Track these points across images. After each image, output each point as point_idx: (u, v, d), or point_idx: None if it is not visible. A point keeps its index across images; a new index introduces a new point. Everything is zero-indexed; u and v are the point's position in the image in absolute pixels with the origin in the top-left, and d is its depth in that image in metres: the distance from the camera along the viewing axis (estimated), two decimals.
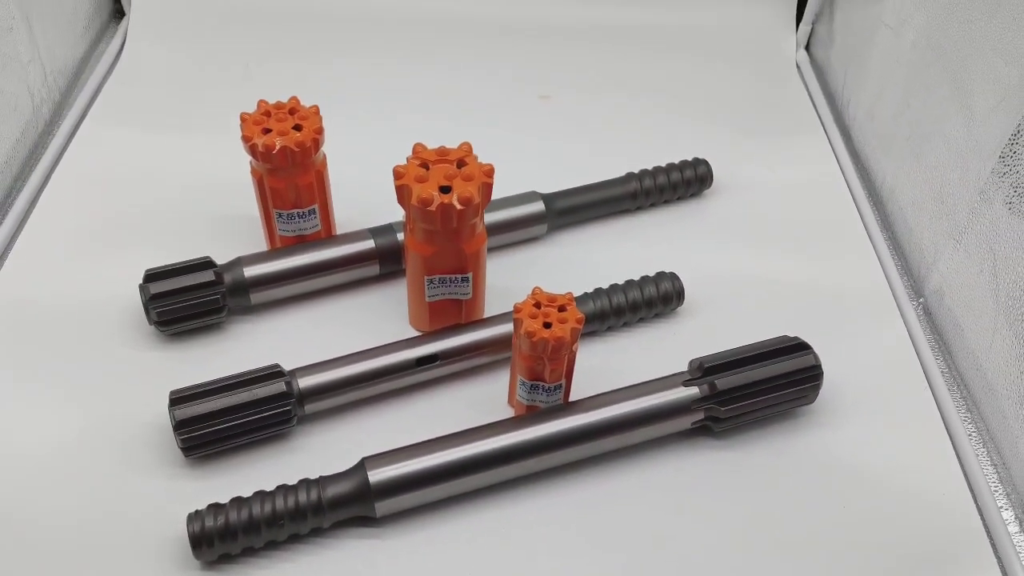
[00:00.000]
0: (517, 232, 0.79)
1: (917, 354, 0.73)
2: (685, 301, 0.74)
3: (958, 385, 0.73)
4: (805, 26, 1.07)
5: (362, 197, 0.78)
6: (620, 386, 0.65)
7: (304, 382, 0.64)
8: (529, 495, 0.63)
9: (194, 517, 0.57)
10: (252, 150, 0.68)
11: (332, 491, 0.58)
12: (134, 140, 0.89)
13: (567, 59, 1.03)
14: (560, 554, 0.60)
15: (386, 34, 1.05)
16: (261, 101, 0.69)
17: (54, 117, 0.94)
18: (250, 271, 0.71)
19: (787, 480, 0.64)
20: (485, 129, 0.86)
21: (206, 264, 0.70)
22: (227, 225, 0.80)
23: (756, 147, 0.93)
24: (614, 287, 0.72)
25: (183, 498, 0.60)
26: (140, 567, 0.57)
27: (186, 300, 0.68)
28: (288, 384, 0.63)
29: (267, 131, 0.68)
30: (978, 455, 0.67)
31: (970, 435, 0.69)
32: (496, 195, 0.73)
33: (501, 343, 0.69)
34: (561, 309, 0.60)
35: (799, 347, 0.66)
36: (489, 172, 0.63)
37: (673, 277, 0.73)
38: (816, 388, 0.66)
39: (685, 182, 0.84)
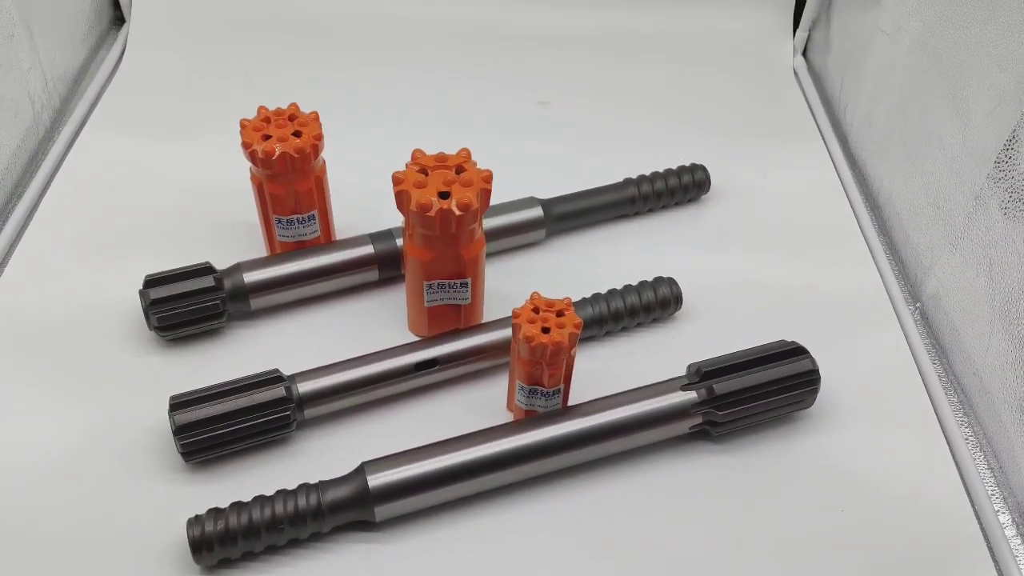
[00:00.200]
0: (516, 237, 0.80)
1: (914, 358, 0.74)
2: (683, 306, 0.75)
3: (955, 389, 0.73)
4: (802, 32, 1.08)
5: (361, 203, 0.79)
6: (618, 391, 0.65)
7: (303, 387, 0.64)
8: (528, 499, 0.63)
9: (194, 522, 0.57)
10: (252, 156, 0.68)
11: (332, 496, 0.58)
12: (134, 146, 0.90)
13: (566, 66, 1.04)
14: (558, 558, 0.60)
15: (385, 41, 1.05)
16: (261, 107, 0.70)
17: (54, 124, 0.94)
18: (250, 276, 0.72)
19: (785, 484, 0.64)
20: (484, 135, 0.87)
21: (206, 269, 0.70)
22: (227, 231, 0.80)
23: (753, 152, 0.93)
24: (612, 292, 0.73)
25: (183, 503, 0.60)
26: (140, 572, 0.58)
27: (186, 305, 0.69)
28: (288, 389, 0.63)
29: (267, 137, 0.68)
30: (975, 459, 0.68)
31: (967, 439, 0.69)
32: (495, 200, 0.73)
33: (500, 348, 0.69)
34: (559, 314, 0.60)
35: (796, 352, 0.66)
36: (488, 178, 0.63)
37: (671, 282, 0.74)
38: (814, 392, 0.66)
39: (683, 187, 0.84)
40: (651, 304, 0.73)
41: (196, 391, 0.63)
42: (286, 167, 0.68)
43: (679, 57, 1.06)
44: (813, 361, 0.66)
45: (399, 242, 0.75)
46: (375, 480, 0.59)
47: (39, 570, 0.58)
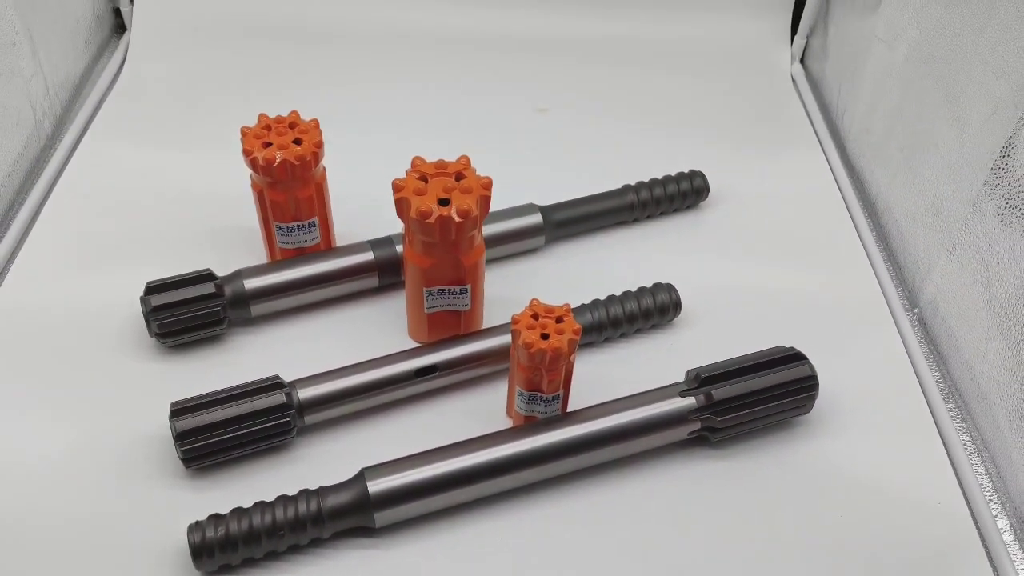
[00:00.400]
0: (515, 244, 0.80)
1: (912, 364, 0.74)
2: (682, 312, 0.75)
3: (953, 395, 0.73)
4: (800, 40, 1.09)
5: (361, 210, 0.79)
6: (617, 397, 0.65)
7: (304, 393, 0.65)
8: (527, 505, 0.63)
9: (195, 528, 0.57)
10: (253, 164, 0.68)
11: (332, 501, 0.59)
12: (135, 154, 0.90)
13: (564, 73, 1.04)
14: (558, 564, 0.60)
15: (385, 49, 1.06)
16: (261, 115, 0.70)
17: (56, 131, 0.94)
18: (250, 283, 0.72)
19: (784, 489, 0.64)
20: (483, 142, 0.88)
21: (207, 276, 0.71)
22: (228, 238, 0.80)
23: (752, 159, 0.94)
24: (611, 298, 0.73)
25: (184, 509, 0.60)
26: None
27: (187, 312, 0.69)
28: (288, 395, 0.63)
29: (267, 145, 0.68)
30: (973, 464, 0.68)
31: (965, 444, 0.69)
32: (494, 207, 0.74)
33: (499, 354, 0.69)
34: (559, 320, 0.60)
35: (795, 357, 0.66)
36: (487, 185, 0.64)
37: (670, 288, 0.74)
38: (812, 398, 0.66)
39: (681, 194, 0.85)
40: (650, 310, 0.73)
41: (197, 397, 0.63)
42: (286, 174, 0.69)
43: (677, 64, 1.06)
44: (811, 367, 0.66)
45: (399, 249, 0.75)
46: (375, 486, 0.59)
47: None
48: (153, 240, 0.81)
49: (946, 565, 0.61)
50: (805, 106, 1.02)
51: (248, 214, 0.77)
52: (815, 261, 0.82)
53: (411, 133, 0.93)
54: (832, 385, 0.69)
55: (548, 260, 0.81)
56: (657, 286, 0.74)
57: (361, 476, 0.60)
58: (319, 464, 0.64)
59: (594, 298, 0.73)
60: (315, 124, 0.70)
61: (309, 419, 0.65)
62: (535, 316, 0.60)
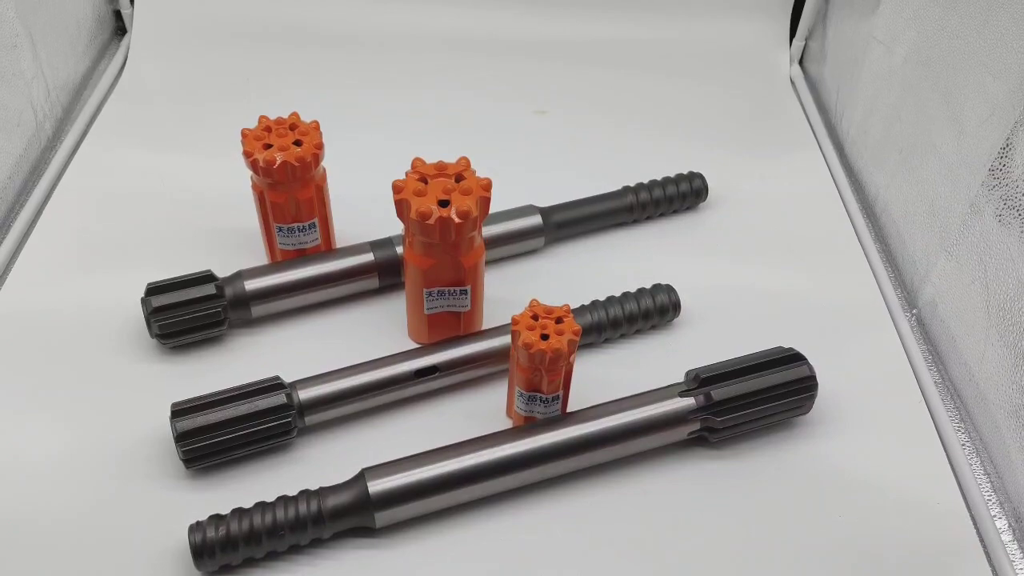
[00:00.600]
0: (515, 245, 0.80)
1: (911, 365, 0.74)
2: (681, 313, 0.75)
3: (951, 395, 0.73)
4: (798, 42, 1.09)
5: (362, 211, 0.79)
6: (617, 397, 0.65)
7: (304, 394, 0.65)
8: (527, 505, 0.63)
9: (196, 528, 0.57)
10: (253, 165, 0.69)
11: (332, 502, 0.59)
12: (136, 155, 0.90)
13: (563, 75, 1.05)
14: (558, 564, 0.60)
15: (385, 51, 1.06)
16: (262, 117, 0.70)
17: (57, 133, 0.95)
18: (251, 284, 0.72)
19: (783, 489, 0.65)
20: (483, 144, 0.88)
21: (207, 278, 0.71)
22: (228, 239, 0.81)
23: (751, 161, 0.94)
24: (611, 299, 0.73)
25: (185, 509, 0.60)
26: None
27: (188, 313, 0.69)
28: (288, 396, 0.64)
29: (268, 146, 0.68)
30: (972, 465, 0.68)
31: (963, 445, 0.69)
32: (494, 209, 0.74)
33: (499, 355, 0.69)
34: (558, 321, 0.60)
35: (794, 358, 0.67)
36: (487, 186, 0.64)
37: (669, 289, 0.74)
38: (811, 399, 0.67)
39: (681, 195, 0.85)
40: (649, 311, 0.73)
41: (197, 398, 0.63)
42: (287, 176, 0.69)
43: (677, 66, 1.07)
44: (810, 367, 0.66)
45: (399, 250, 0.75)
46: (375, 486, 0.59)
47: None
48: (154, 241, 0.81)
49: (945, 565, 0.61)
50: (804, 108, 1.03)
51: (248, 215, 0.77)
52: (814, 262, 0.82)
53: (411, 135, 0.93)
54: (831, 386, 0.69)
55: (548, 261, 0.81)
56: (656, 287, 0.74)
57: (361, 476, 0.60)
58: (319, 465, 0.65)
59: (593, 299, 0.73)
60: (315, 126, 0.70)
61: (310, 420, 0.65)
62: (535, 317, 0.61)
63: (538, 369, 0.61)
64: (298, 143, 0.69)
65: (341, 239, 0.79)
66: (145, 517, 0.61)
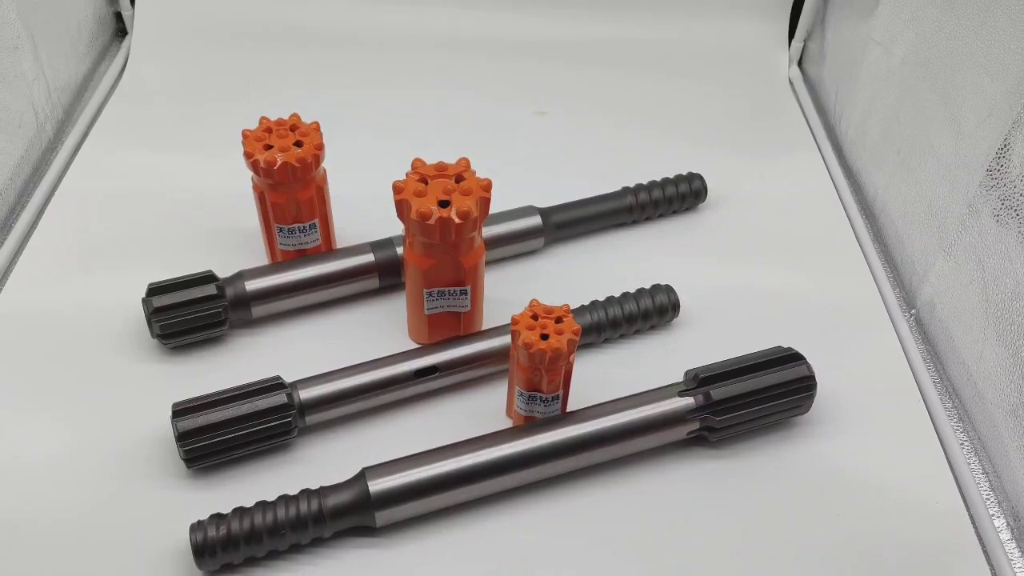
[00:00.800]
0: (515, 245, 0.80)
1: (909, 364, 0.74)
2: (680, 313, 0.75)
3: (950, 395, 0.74)
4: (797, 43, 1.09)
5: (362, 211, 0.79)
6: (617, 397, 0.66)
7: (305, 394, 0.65)
8: (527, 504, 0.63)
9: (197, 527, 0.57)
10: (254, 166, 0.69)
11: (333, 501, 0.59)
12: (137, 156, 0.91)
13: (563, 76, 1.05)
14: (557, 564, 0.60)
15: (385, 52, 1.06)
16: (263, 118, 0.71)
17: (58, 134, 0.95)
18: (251, 285, 0.72)
19: (782, 489, 0.65)
20: (483, 145, 0.88)
21: (208, 278, 0.71)
22: (229, 240, 0.81)
23: (750, 162, 0.94)
24: (610, 299, 0.73)
25: (186, 508, 0.60)
26: None
27: (188, 313, 0.69)
28: (289, 396, 0.64)
29: (268, 147, 0.69)
30: (970, 464, 0.68)
31: (962, 444, 0.70)
32: (494, 209, 0.74)
33: (499, 355, 0.70)
34: (558, 321, 0.61)
35: (793, 358, 0.67)
36: (487, 186, 0.64)
37: (668, 290, 0.74)
38: (810, 398, 0.67)
39: (680, 196, 0.85)
40: (649, 311, 0.73)
41: (198, 398, 0.64)
42: (287, 176, 0.69)
43: (676, 67, 1.07)
44: (809, 367, 0.67)
45: (399, 250, 0.75)
46: (376, 486, 0.59)
47: None
48: (155, 242, 0.81)
49: (943, 564, 0.61)
50: (803, 109, 1.03)
51: (249, 216, 0.77)
52: (813, 263, 0.83)
53: (411, 135, 0.94)
54: (830, 385, 0.70)
55: (547, 262, 0.82)
56: (656, 287, 0.75)
57: (362, 476, 0.60)
58: (320, 464, 0.65)
59: (593, 299, 0.74)
60: (316, 127, 0.71)
61: (310, 419, 0.66)
62: (535, 316, 0.61)
63: (538, 369, 0.61)
64: (299, 144, 0.69)
65: (341, 239, 0.79)
66: (146, 517, 0.61)
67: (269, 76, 1.02)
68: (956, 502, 0.65)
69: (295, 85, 1.01)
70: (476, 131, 0.96)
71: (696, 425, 0.65)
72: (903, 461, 0.67)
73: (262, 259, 0.78)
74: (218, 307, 0.70)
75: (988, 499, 0.66)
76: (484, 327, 0.73)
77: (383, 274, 0.76)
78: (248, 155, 0.69)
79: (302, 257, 0.75)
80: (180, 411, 0.62)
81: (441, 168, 0.64)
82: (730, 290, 0.79)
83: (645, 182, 0.85)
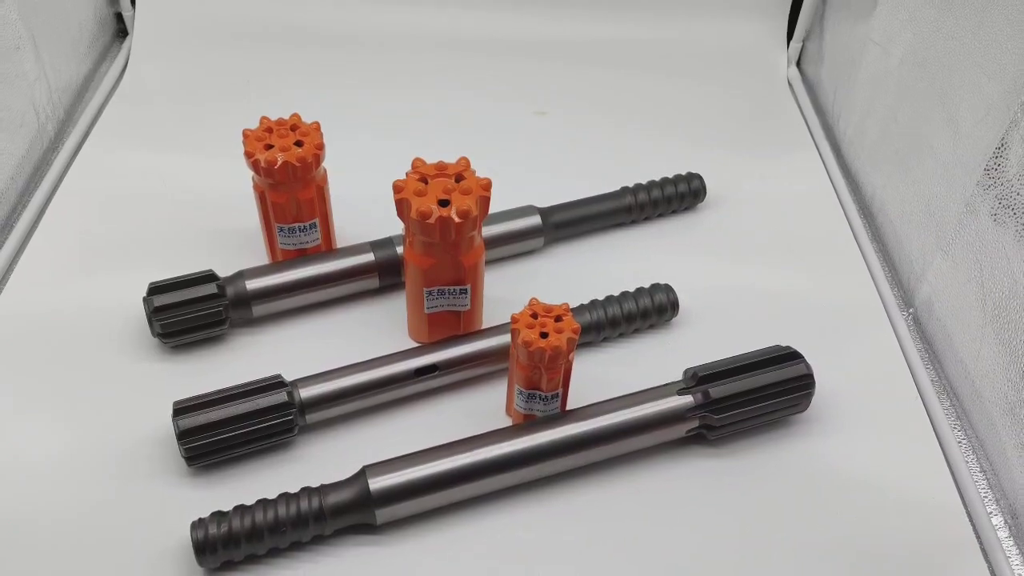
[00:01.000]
0: (514, 245, 0.80)
1: (907, 363, 0.74)
2: (679, 312, 0.76)
3: (948, 394, 0.74)
4: (796, 43, 1.09)
5: (362, 211, 0.80)
6: (616, 395, 0.66)
7: (305, 392, 0.65)
8: (527, 503, 0.63)
9: (198, 525, 0.58)
10: (255, 166, 0.69)
11: (333, 499, 0.59)
12: (137, 157, 0.91)
13: (563, 76, 1.05)
14: (557, 561, 0.60)
15: (386, 52, 1.07)
16: (263, 118, 0.71)
17: (59, 134, 0.95)
18: (252, 284, 0.72)
19: (780, 487, 0.65)
20: (483, 144, 0.88)
21: (209, 277, 0.71)
22: (229, 239, 0.81)
23: (748, 161, 0.94)
24: (610, 298, 0.74)
25: (187, 506, 0.60)
26: (145, 574, 0.58)
27: (189, 312, 0.69)
28: (290, 394, 0.64)
29: (269, 147, 0.69)
30: (968, 462, 0.68)
31: (960, 442, 0.70)
32: (494, 209, 0.74)
33: (499, 353, 0.70)
34: (557, 319, 0.61)
35: (791, 356, 0.67)
36: (487, 186, 0.64)
37: (667, 289, 0.75)
38: (808, 397, 0.67)
39: (679, 196, 0.85)
40: (648, 310, 0.74)
41: (199, 396, 0.64)
42: (288, 176, 0.69)
43: (675, 68, 1.07)
44: (808, 366, 0.67)
45: (399, 249, 0.76)
46: (376, 483, 0.60)
47: (44, 575, 0.58)
48: (155, 242, 0.81)
49: (942, 562, 0.62)
50: (801, 109, 1.03)
51: (250, 216, 0.77)
52: (811, 262, 0.83)
53: (411, 135, 0.94)
54: (828, 384, 0.70)
55: (547, 261, 0.82)
56: (655, 287, 0.75)
57: (362, 474, 0.60)
58: (321, 462, 0.65)
59: (592, 299, 0.74)
60: (316, 126, 0.71)
61: (310, 418, 0.66)
62: (534, 315, 0.61)
63: (537, 367, 0.61)
64: (299, 144, 0.69)
65: (341, 239, 0.79)
66: (147, 515, 0.61)
67: (269, 76, 1.02)
68: (954, 500, 0.65)
69: (295, 85, 1.01)
70: (476, 131, 0.96)
71: (695, 423, 0.65)
72: (901, 459, 0.67)
73: (262, 259, 0.78)
74: (219, 306, 0.70)
75: (986, 497, 0.66)
76: (484, 326, 0.73)
77: (383, 273, 0.76)
78: (249, 155, 0.69)
79: (302, 256, 0.75)
80: (181, 409, 0.63)
81: (441, 168, 0.65)
82: (729, 289, 0.79)
83: (644, 182, 0.86)
